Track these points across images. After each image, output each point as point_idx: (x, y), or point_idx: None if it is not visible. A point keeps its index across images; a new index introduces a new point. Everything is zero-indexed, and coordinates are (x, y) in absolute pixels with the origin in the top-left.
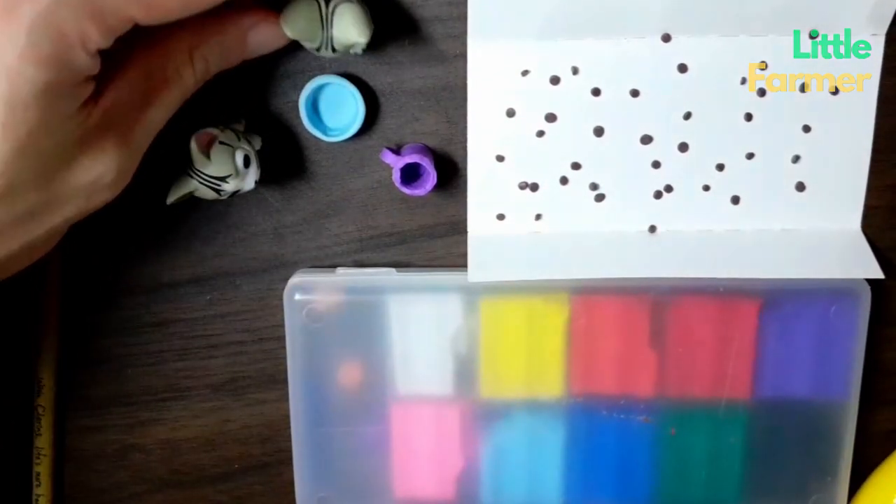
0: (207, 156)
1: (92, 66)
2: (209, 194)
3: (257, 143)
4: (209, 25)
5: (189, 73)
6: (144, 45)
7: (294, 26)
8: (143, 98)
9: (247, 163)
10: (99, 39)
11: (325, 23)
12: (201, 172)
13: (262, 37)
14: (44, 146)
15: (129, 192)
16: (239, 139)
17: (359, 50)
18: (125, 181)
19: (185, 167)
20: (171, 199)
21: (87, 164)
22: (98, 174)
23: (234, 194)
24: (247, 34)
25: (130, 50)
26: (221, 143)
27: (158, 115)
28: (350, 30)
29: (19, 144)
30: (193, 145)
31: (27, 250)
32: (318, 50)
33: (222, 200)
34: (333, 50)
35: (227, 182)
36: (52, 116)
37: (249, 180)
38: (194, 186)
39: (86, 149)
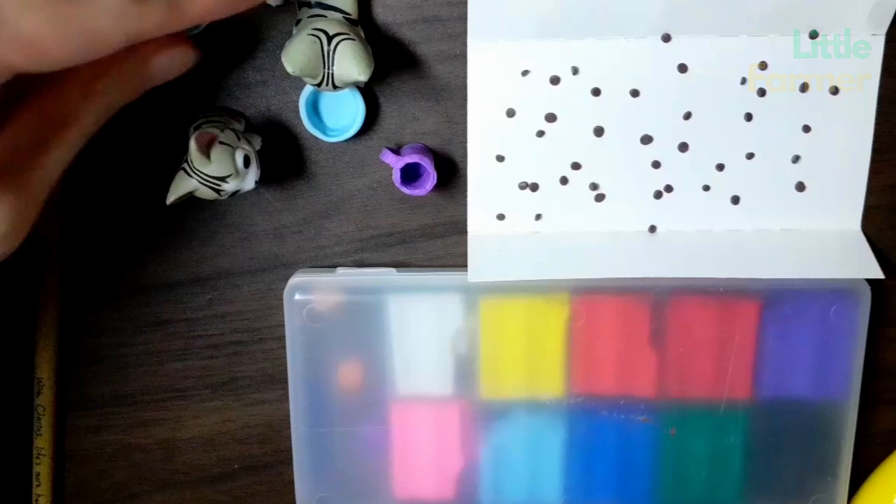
0: (207, 156)
1: None
2: (209, 194)
3: (257, 143)
4: (108, 59)
5: (87, 112)
6: (34, 84)
7: (295, 64)
8: (36, 143)
9: (247, 163)
10: None
11: (327, 60)
12: (201, 172)
13: (166, 62)
14: None
15: (128, 193)
16: (239, 139)
17: (360, 84)
18: (22, 233)
19: (185, 167)
20: (170, 199)
21: None
22: None
23: (234, 194)
24: (149, 62)
25: (16, 91)
26: (221, 143)
27: (55, 159)
28: (351, 68)
29: None
30: (193, 145)
31: None
32: (318, 86)
33: (222, 200)
34: (335, 86)
35: (227, 182)
36: None
37: (249, 180)
38: (194, 186)
39: None
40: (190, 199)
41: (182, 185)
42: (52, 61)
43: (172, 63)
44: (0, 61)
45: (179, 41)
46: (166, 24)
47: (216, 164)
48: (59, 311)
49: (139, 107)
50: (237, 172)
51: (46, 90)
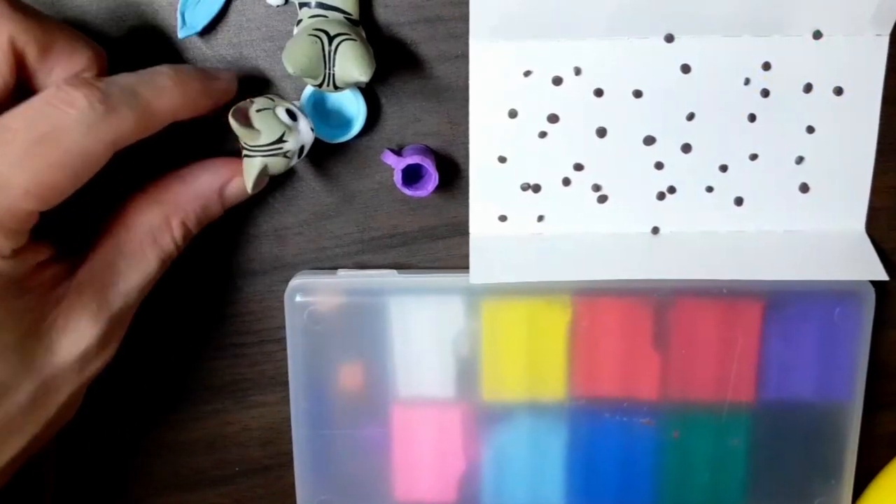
0: (252, 126)
1: (14, 266)
2: (280, 164)
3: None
4: (183, 192)
5: (167, 239)
6: (118, 219)
7: (296, 64)
8: (117, 269)
9: (292, 115)
10: (5, 243)
11: (328, 60)
12: (258, 146)
13: (235, 190)
14: (8, 340)
15: (122, 195)
16: (272, 99)
17: (362, 85)
18: (113, 348)
19: (244, 152)
20: (250, 185)
21: (66, 341)
22: (82, 348)
23: (303, 153)
24: (223, 192)
25: (104, 224)
26: (258, 110)
27: (134, 282)
28: (352, 69)
29: None
30: (234, 124)
31: (44, 433)
32: (319, 86)
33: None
34: (336, 87)
35: (285, 142)
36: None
37: (305, 130)
38: (261, 163)
39: (60, 327)
40: None
41: (251, 168)
42: (60, 193)
43: (239, 190)
44: (16, 212)
45: (240, 169)
46: (141, 127)
47: (265, 130)
48: None
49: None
50: (289, 128)
51: (125, 224)
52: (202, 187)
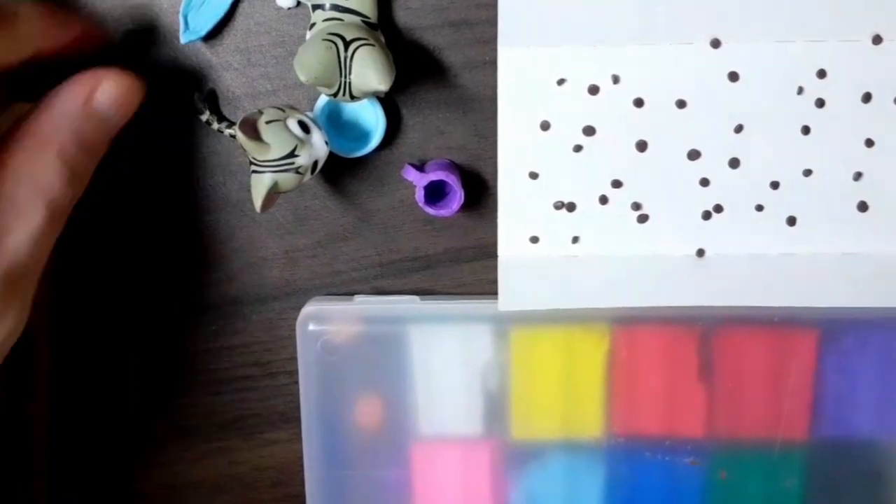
0: (261, 140)
1: None
2: (291, 180)
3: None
4: (45, 120)
5: (47, 179)
6: None
7: (309, 71)
8: (2, 225)
9: (304, 128)
10: None
11: (344, 68)
12: (267, 161)
13: (107, 98)
14: None
15: (123, 218)
16: (283, 110)
17: (380, 94)
18: (11, 321)
19: (252, 167)
20: (259, 204)
21: None
22: None
23: (316, 168)
24: (92, 105)
25: None
26: (268, 121)
27: (21, 236)
28: (370, 76)
29: None
30: (242, 137)
31: None
32: (335, 95)
33: (223, 220)
34: (352, 97)
35: (297, 156)
36: None
37: (319, 143)
38: (271, 180)
39: None
40: (191, 219)
41: (260, 185)
42: None
43: (121, 98)
44: None
45: (115, 76)
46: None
47: (276, 144)
48: (50, 345)
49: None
50: (301, 141)
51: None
52: (64, 107)
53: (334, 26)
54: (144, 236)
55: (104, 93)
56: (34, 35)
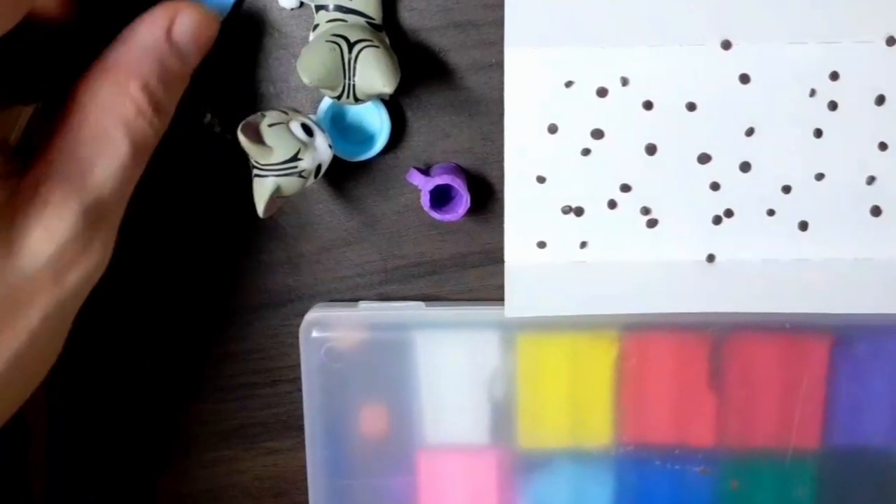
0: (263, 143)
1: None
2: (294, 184)
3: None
4: (127, 53)
5: (131, 112)
6: (70, 107)
7: (313, 74)
8: (81, 158)
9: (308, 131)
10: None
11: (348, 70)
12: (270, 165)
13: (186, 30)
14: None
15: (122, 222)
16: (286, 113)
17: (385, 97)
18: (97, 255)
19: (255, 171)
20: (261, 209)
21: (31, 239)
22: (52, 248)
23: (320, 172)
24: (172, 38)
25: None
26: (270, 125)
27: (107, 169)
28: (374, 78)
29: None
30: (244, 139)
31: (18, 371)
32: (338, 98)
33: (228, 226)
34: (356, 99)
35: (300, 160)
36: None
37: (323, 147)
38: (273, 184)
39: (20, 224)
40: (192, 224)
41: (262, 190)
42: None
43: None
44: None
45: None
46: None
47: (278, 147)
48: None
49: None
50: (304, 145)
51: (86, 105)
52: (145, 40)
53: (338, 27)
54: (144, 242)
55: (182, 25)
56: None
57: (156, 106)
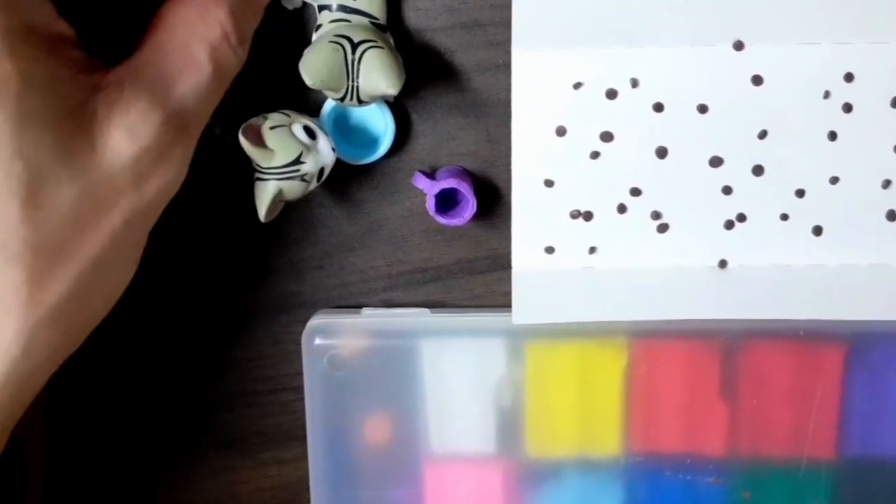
0: (265, 146)
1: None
2: (297, 188)
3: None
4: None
5: (217, 33)
6: (156, 25)
7: (315, 75)
8: (164, 70)
9: (310, 133)
10: None
11: (351, 71)
12: (272, 169)
13: None
14: (41, 109)
15: None
16: (289, 116)
17: (389, 99)
18: (176, 165)
19: (257, 174)
20: (263, 213)
21: (114, 138)
22: (135, 149)
23: (322, 176)
24: None
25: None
26: (272, 127)
27: (189, 85)
28: (378, 80)
29: (14, 112)
30: (246, 143)
31: (95, 284)
32: (341, 100)
33: (230, 232)
34: (360, 101)
35: (303, 163)
36: (34, 69)
37: (325, 150)
38: (275, 188)
39: (102, 119)
40: (191, 228)
41: (264, 193)
42: None
43: None
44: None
45: None
46: None
47: (280, 151)
48: None
49: None
50: (307, 148)
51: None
52: None
53: (341, 28)
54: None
55: None
56: None
57: (240, 34)
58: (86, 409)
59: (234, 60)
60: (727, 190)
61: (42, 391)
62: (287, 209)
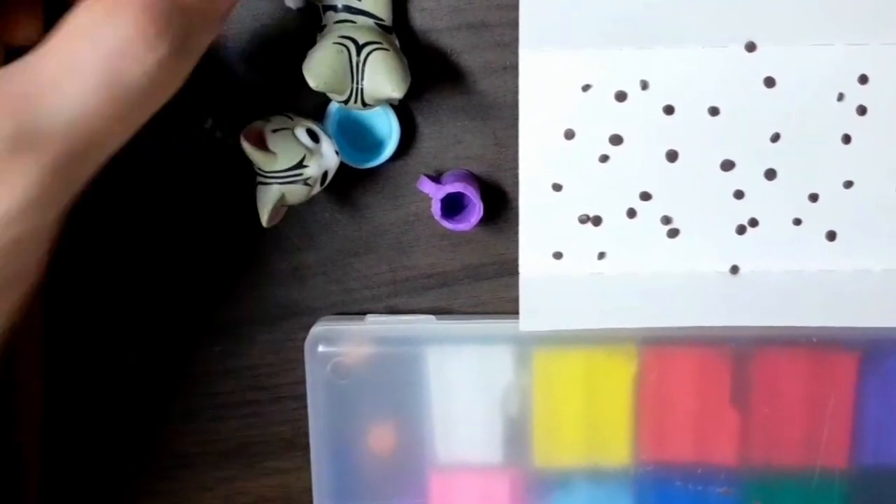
0: (267, 149)
1: None
2: (299, 192)
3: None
4: None
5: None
6: None
7: (319, 77)
8: (46, 80)
9: (313, 136)
10: None
11: (356, 73)
12: (274, 172)
13: None
14: None
15: (120, 230)
16: (291, 118)
17: (394, 101)
18: (17, 187)
19: (259, 178)
20: (265, 218)
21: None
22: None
23: (326, 179)
24: None
25: None
26: (275, 130)
27: (67, 106)
28: (383, 82)
29: None
30: (247, 146)
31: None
32: (346, 103)
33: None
34: (364, 104)
35: (305, 167)
36: None
37: (329, 153)
38: (278, 192)
39: None
40: (192, 233)
41: (266, 197)
42: None
43: None
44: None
45: None
46: None
47: (283, 155)
48: (43, 363)
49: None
50: (310, 151)
51: None
52: None
53: (346, 29)
54: (142, 252)
55: None
56: None
57: (171, 39)
58: (84, 418)
59: (146, 79)
60: (739, 194)
61: (39, 398)
62: (290, 214)
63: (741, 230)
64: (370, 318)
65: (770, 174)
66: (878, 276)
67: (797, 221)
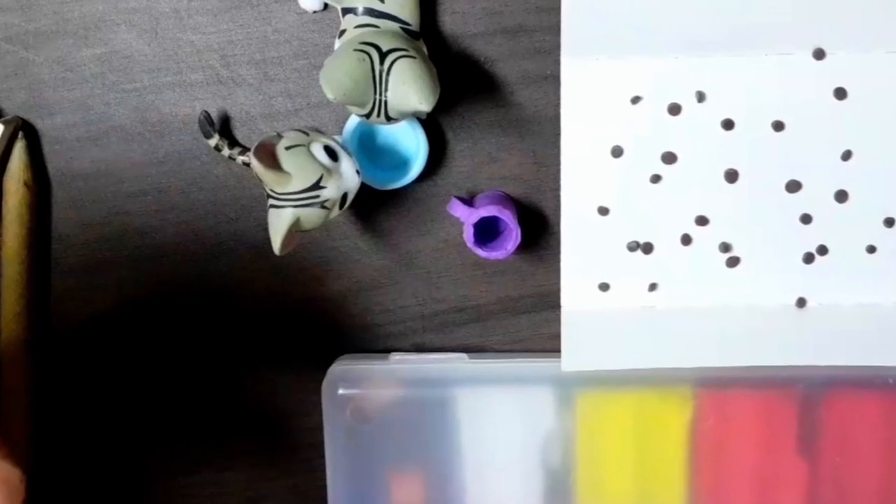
0: (280, 169)
1: None
2: (316, 216)
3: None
4: None
5: None
6: None
7: (338, 88)
8: None
9: (332, 154)
10: None
11: (379, 84)
12: (287, 194)
13: None
14: None
15: (120, 261)
16: (306, 134)
17: (421, 115)
18: None
19: (270, 201)
20: (278, 246)
21: None
22: None
23: (346, 202)
24: None
25: None
26: (288, 147)
27: None
28: (410, 94)
29: None
30: (257, 164)
31: None
32: (368, 116)
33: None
34: (388, 118)
35: (323, 188)
36: None
37: (349, 173)
38: (292, 216)
39: None
40: (201, 260)
41: (279, 223)
42: None
43: None
44: None
45: None
46: None
47: (298, 174)
48: (32, 413)
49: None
50: (328, 171)
51: None
52: None
53: (368, 34)
54: (144, 283)
55: None
56: None
57: None
58: (82, 467)
59: None
60: (806, 218)
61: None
62: (305, 241)
63: (809, 259)
64: (395, 356)
65: (841, 196)
66: None
67: (871, 249)
